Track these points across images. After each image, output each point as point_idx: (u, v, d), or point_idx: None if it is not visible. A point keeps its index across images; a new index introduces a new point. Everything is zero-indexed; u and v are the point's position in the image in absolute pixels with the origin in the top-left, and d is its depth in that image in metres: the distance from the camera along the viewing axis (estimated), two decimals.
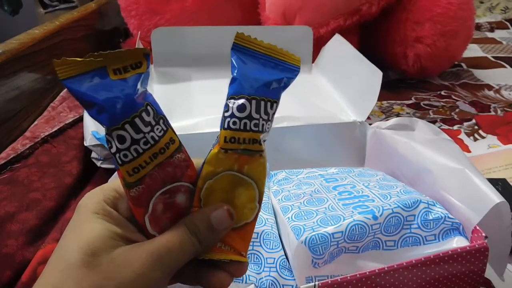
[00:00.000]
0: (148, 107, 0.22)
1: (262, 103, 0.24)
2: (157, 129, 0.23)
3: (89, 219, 0.23)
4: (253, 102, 0.24)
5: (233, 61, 0.24)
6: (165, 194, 0.24)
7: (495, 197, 0.34)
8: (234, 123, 0.24)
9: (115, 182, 0.25)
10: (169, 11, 0.86)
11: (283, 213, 0.39)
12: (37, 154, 0.53)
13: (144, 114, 0.22)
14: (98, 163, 0.54)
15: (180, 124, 0.53)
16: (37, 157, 0.52)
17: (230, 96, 0.24)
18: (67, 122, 0.59)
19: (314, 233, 0.34)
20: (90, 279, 0.21)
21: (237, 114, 0.24)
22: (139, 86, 0.22)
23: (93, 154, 0.54)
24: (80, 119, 0.59)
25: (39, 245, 0.43)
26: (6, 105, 0.59)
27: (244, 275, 0.33)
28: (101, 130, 0.55)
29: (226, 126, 0.24)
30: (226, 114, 0.24)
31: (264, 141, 0.25)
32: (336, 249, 0.34)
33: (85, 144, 0.54)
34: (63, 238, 0.24)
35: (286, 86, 0.25)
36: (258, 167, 0.25)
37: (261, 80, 0.24)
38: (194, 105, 0.61)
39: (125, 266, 0.22)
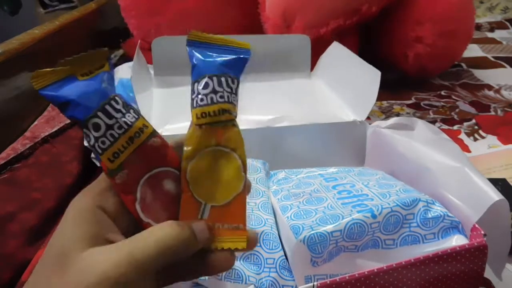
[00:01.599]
0: (116, 98, 0.24)
1: (223, 78, 0.26)
2: (129, 116, 0.25)
3: (68, 220, 0.23)
4: (214, 78, 0.26)
5: (190, 52, 0.26)
6: (151, 180, 0.25)
7: (494, 195, 0.34)
8: (202, 100, 0.26)
9: (103, 182, 0.25)
10: (169, 11, 0.86)
11: (282, 213, 0.39)
12: (37, 154, 0.53)
13: (113, 102, 0.24)
14: (98, 163, 0.55)
15: (178, 126, 0.53)
16: (37, 157, 0.52)
17: (194, 81, 0.26)
18: (67, 122, 0.59)
19: (313, 232, 0.34)
20: (59, 279, 0.21)
21: (202, 91, 0.26)
22: (104, 81, 0.24)
23: (93, 154, 0.54)
24: None
25: (39, 245, 0.43)
26: (6, 105, 0.59)
27: (243, 275, 0.33)
28: None
29: (195, 105, 0.26)
30: (193, 96, 0.26)
31: (235, 114, 0.27)
32: (335, 247, 0.34)
33: (85, 144, 0.54)
34: (48, 244, 0.24)
35: (243, 65, 0.27)
36: (234, 136, 0.26)
37: (218, 61, 0.26)
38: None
39: (93, 267, 0.21)
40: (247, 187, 0.27)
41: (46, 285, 0.21)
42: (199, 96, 0.26)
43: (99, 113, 0.24)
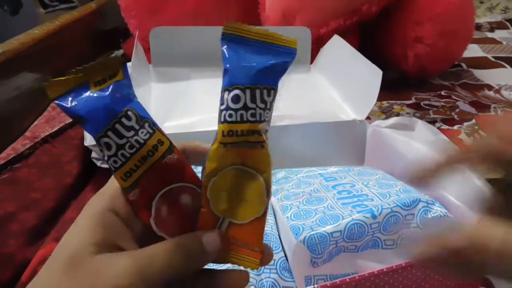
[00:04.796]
0: (129, 112, 0.23)
1: (258, 91, 0.23)
2: (142, 132, 0.23)
3: (81, 224, 0.23)
4: (247, 91, 0.23)
5: (224, 51, 0.23)
6: (166, 195, 0.24)
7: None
8: (230, 115, 0.23)
9: (116, 184, 0.25)
10: (169, 11, 0.86)
11: (282, 212, 0.39)
12: (37, 154, 0.53)
13: (124, 120, 0.23)
14: (98, 163, 0.55)
15: (178, 123, 0.53)
16: (37, 157, 0.52)
17: (224, 89, 0.23)
18: (67, 122, 0.59)
19: (313, 232, 0.34)
20: (68, 281, 0.21)
21: (232, 106, 0.23)
22: (117, 93, 0.23)
23: (93, 154, 0.54)
24: None
25: (39, 245, 0.43)
26: (6, 105, 0.59)
27: None
28: None
29: (222, 119, 0.23)
30: (222, 107, 0.23)
31: (266, 131, 0.24)
32: (335, 248, 0.34)
33: (85, 144, 0.54)
34: (57, 245, 0.23)
35: (283, 71, 0.24)
36: (261, 159, 0.24)
37: (255, 67, 0.23)
38: (192, 104, 0.61)
39: (103, 274, 0.21)
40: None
41: (55, 286, 0.21)
42: (228, 111, 0.23)
43: (109, 133, 0.23)
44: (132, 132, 0.23)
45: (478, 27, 1.27)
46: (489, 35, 1.24)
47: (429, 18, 0.83)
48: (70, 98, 0.23)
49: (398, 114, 0.76)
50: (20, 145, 0.53)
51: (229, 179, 0.24)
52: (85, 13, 0.88)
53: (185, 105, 0.61)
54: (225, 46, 0.23)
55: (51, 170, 0.52)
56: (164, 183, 0.24)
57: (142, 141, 0.23)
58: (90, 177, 0.55)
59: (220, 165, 0.24)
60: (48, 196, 0.48)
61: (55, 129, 0.57)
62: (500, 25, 1.30)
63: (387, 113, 0.77)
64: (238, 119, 0.23)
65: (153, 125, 0.24)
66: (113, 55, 0.96)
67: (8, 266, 0.40)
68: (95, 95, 0.23)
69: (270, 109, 0.24)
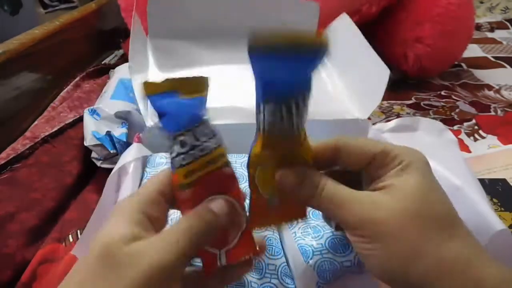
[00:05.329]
0: (207, 123, 0.27)
1: (293, 102, 0.23)
2: (213, 141, 0.26)
3: (115, 221, 0.24)
4: (283, 105, 0.24)
5: (253, 67, 0.22)
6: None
7: (497, 224, 0.33)
8: (269, 127, 0.25)
9: (150, 190, 0.27)
10: None
11: (289, 226, 0.38)
12: (37, 154, 0.53)
13: (202, 127, 0.26)
14: (98, 163, 0.54)
15: None
16: (37, 157, 0.52)
17: (259, 100, 0.24)
18: (67, 122, 0.59)
19: (323, 260, 0.33)
20: (105, 275, 0.22)
21: (269, 119, 0.24)
22: (201, 105, 0.26)
23: (93, 154, 0.54)
24: (80, 119, 0.59)
25: (39, 245, 0.43)
26: (6, 105, 0.59)
27: (245, 281, 0.33)
28: (102, 130, 0.55)
29: (261, 130, 0.25)
30: (259, 117, 0.25)
31: (303, 129, 0.26)
32: (342, 273, 0.34)
33: (85, 144, 0.54)
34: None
35: (314, 72, 0.23)
36: (301, 153, 0.27)
37: (286, 80, 0.22)
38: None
39: (140, 257, 0.22)
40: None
41: (92, 283, 0.22)
42: (266, 122, 0.25)
43: (189, 133, 0.26)
44: (205, 138, 0.26)
45: (478, 27, 1.26)
46: (489, 35, 1.24)
47: (429, 18, 0.83)
48: (161, 98, 0.25)
49: (398, 114, 0.76)
50: (20, 145, 0.53)
51: (274, 167, 0.27)
52: (85, 13, 0.88)
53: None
54: (254, 63, 0.22)
55: (51, 170, 0.52)
56: (215, 191, 0.27)
57: (211, 148, 0.26)
58: (90, 177, 0.55)
59: (263, 161, 0.27)
60: (48, 196, 0.48)
61: (55, 129, 0.57)
62: (500, 25, 1.30)
63: (387, 113, 0.77)
64: (276, 131, 0.25)
65: (220, 140, 0.27)
66: (113, 55, 0.96)
67: (8, 266, 0.40)
68: (183, 100, 0.26)
69: (306, 111, 0.25)
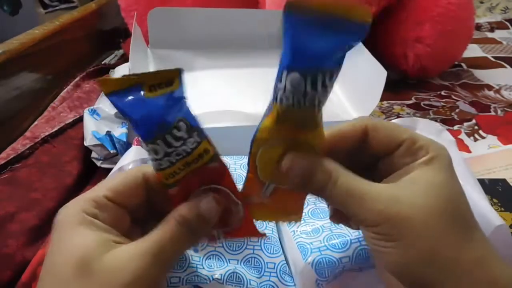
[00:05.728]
0: (180, 123, 0.23)
1: (319, 76, 0.21)
2: (190, 142, 0.24)
3: (72, 231, 0.23)
4: (309, 77, 0.21)
5: (286, 28, 0.20)
6: (203, 191, 0.26)
7: (496, 220, 0.34)
8: (287, 98, 0.22)
9: (92, 191, 0.25)
10: None
11: (287, 224, 0.38)
12: (37, 154, 0.53)
13: (175, 131, 0.23)
14: (98, 163, 0.55)
15: None
16: (37, 157, 0.52)
17: (284, 67, 0.21)
18: (67, 122, 0.59)
19: (321, 256, 0.33)
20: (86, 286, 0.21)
21: (290, 88, 0.21)
22: (170, 102, 0.23)
23: (93, 154, 0.54)
24: (80, 119, 0.59)
25: (39, 245, 0.43)
26: (6, 105, 0.59)
27: (244, 279, 0.33)
28: (102, 130, 0.55)
29: (278, 99, 0.22)
30: (279, 86, 0.22)
31: (320, 109, 0.23)
32: (341, 270, 0.34)
33: (85, 144, 0.54)
34: (49, 256, 0.23)
35: (349, 49, 0.22)
36: (314, 136, 0.24)
37: (318, 50, 0.20)
38: (196, 97, 0.59)
39: (120, 270, 0.21)
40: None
41: None
42: (285, 93, 0.22)
43: (159, 141, 0.23)
44: (181, 142, 0.24)
45: (478, 27, 1.26)
46: (489, 35, 1.24)
47: (429, 18, 0.83)
48: (123, 97, 0.23)
49: (398, 115, 0.76)
50: (20, 145, 0.53)
51: (279, 149, 0.25)
52: (85, 13, 0.88)
53: (188, 96, 0.59)
54: (288, 23, 0.20)
55: (51, 170, 0.52)
56: (203, 183, 0.26)
57: (189, 150, 0.24)
58: (90, 177, 0.55)
59: (271, 137, 0.24)
60: (48, 196, 0.48)
61: (55, 129, 0.57)
62: (500, 25, 1.30)
63: (387, 113, 0.77)
64: (295, 103, 0.22)
65: (202, 134, 0.25)
66: (113, 55, 0.96)
67: (8, 266, 0.40)
68: (149, 101, 0.22)
69: (330, 90, 0.22)
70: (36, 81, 0.66)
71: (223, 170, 0.26)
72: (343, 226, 0.36)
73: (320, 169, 0.25)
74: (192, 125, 0.24)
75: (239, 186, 0.27)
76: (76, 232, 0.23)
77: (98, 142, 0.53)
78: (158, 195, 0.27)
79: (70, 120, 0.59)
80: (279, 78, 0.22)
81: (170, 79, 0.23)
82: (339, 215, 0.29)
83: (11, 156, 0.50)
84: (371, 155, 0.27)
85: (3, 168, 0.48)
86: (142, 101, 0.22)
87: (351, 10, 0.20)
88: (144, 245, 0.23)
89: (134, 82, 0.22)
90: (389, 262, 0.24)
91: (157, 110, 0.23)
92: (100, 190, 0.25)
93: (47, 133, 0.56)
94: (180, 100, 0.24)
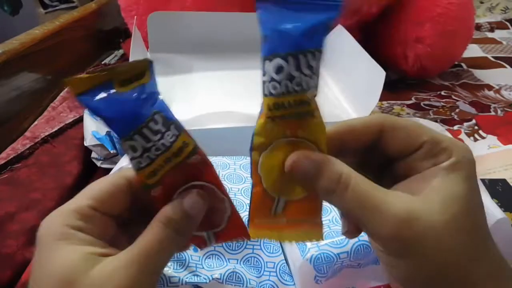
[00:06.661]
0: (156, 116, 0.23)
1: (301, 57, 0.21)
2: (168, 135, 0.23)
3: (55, 248, 0.22)
4: (290, 59, 0.21)
5: (260, 15, 0.21)
6: (187, 191, 0.25)
7: (497, 213, 0.34)
8: (274, 87, 0.21)
9: (74, 202, 0.25)
10: (169, 11, 0.86)
11: None
12: (37, 154, 0.53)
13: (151, 124, 0.23)
14: (98, 163, 0.55)
15: (180, 119, 0.53)
16: (37, 157, 0.52)
17: (264, 58, 0.21)
18: (67, 122, 0.59)
19: (319, 252, 0.33)
20: None
21: (275, 76, 0.21)
22: (143, 95, 0.22)
23: (93, 154, 0.54)
24: (80, 119, 0.59)
25: None
26: (6, 105, 0.59)
27: (244, 278, 0.33)
28: (102, 130, 0.55)
29: (266, 92, 0.22)
30: (264, 79, 0.21)
31: (315, 96, 0.22)
32: (339, 266, 0.34)
33: (85, 144, 0.54)
34: (34, 276, 0.22)
35: (328, 27, 0.21)
36: (313, 128, 0.23)
37: (295, 30, 0.20)
38: (193, 98, 0.60)
39: (107, 283, 0.21)
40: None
41: None
42: (272, 83, 0.21)
43: (136, 136, 0.22)
44: (159, 136, 0.23)
45: (478, 27, 1.26)
46: (489, 35, 1.24)
47: (429, 18, 0.83)
48: (94, 96, 0.22)
49: (398, 115, 0.76)
50: (20, 145, 0.53)
51: (280, 153, 0.23)
52: (85, 13, 0.88)
53: (186, 98, 0.59)
54: (261, 10, 0.21)
55: (51, 170, 0.52)
56: (186, 181, 0.24)
57: (168, 144, 0.23)
58: (90, 177, 0.55)
59: (269, 139, 0.23)
60: (48, 196, 0.48)
61: (55, 129, 0.57)
62: (500, 25, 1.30)
63: (387, 114, 0.77)
64: (284, 91, 0.21)
65: (179, 127, 0.24)
66: (113, 55, 0.96)
67: (8, 266, 0.40)
68: (121, 96, 0.22)
69: (317, 73, 0.22)
70: (36, 81, 0.66)
71: (205, 163, 0.25)
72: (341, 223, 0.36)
73: (327, 171, 0.22)
74: (168, 118, 0.23)
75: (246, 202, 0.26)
76: (60, 249, 0.22)
77: (98, 142, 0.53)
78: (143, 198, 0.25)
79: (70, 120, 0.59)
80: (263, 72, 0.21)
81: (141, 72, 0.22)
82: (354, 230, 0.26)
83: (11, 156, 0.50)
84: (385, 155, 0.25)
85: (3, 168, 0.48)
86: (114, 98, 0.22)
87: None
88: (129, 255, 0.22)
89: (104, 80, 0.22)
90: (398, 277, 0.23)
91: (130, 103, 0.22)
92: (83, 200, 0.24)
93: (47, 133, 0.56)
94: (153, 94, 0.23)
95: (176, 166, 0.24)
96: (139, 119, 0.22)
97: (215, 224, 0.26)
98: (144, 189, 0.24)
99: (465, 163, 0.23)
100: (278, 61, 0.21)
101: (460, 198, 0.22)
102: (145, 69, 0.22)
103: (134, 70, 0.22)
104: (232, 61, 0.67)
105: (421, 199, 0.22)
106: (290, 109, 0.22)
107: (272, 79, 0.21)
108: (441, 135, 0.23)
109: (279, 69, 0.21)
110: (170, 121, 0.23)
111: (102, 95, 0.22)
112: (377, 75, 0.52)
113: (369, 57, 0.56)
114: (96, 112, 0.22)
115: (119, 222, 0.26)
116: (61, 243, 0.22)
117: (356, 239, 0.34)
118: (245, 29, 0.67)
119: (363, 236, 0.34)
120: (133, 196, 0.26)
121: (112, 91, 0.22)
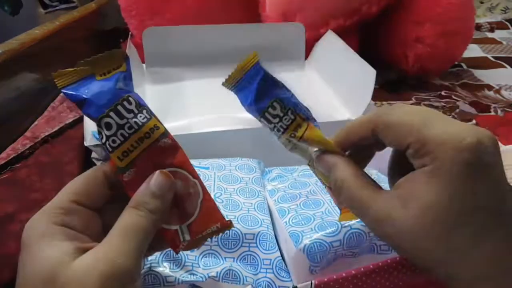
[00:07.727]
0: (130, 98, 0.26)
1: (270, 111, 0.28)
2: (140, 116, 0.26)
3: (37, 248, 0.23)
4: (262, 119, 0.28)
5: (242, 101, 0.29)
6: None
7: None
8: (281, 127, 0.29)
9: (58, 199, 0.25)
10: (169, 11, 0.86)
11: (280, 216, 0.39)
12: (37, 154, 0.53)
13: (125, 103, 0.25)
14: (98, 163, 0.55)
15: (174, 125, 0.54)
16: (37, 157, 0.52)
17: (261, 115, 0.28)
18: (67, 122, 0.59)
19: (312, 241, 0.34)
20: None
21: (266, 124, 0.29)
22: (120, 81, 0.26)
23: (93, 154, 0.54)
24: (80, 119, 0.59)
25: None
26: (6, 105, 0.59)
27: (240, 276, 0.34)
28: None
29: (280, 132, 0.29)
30: (271, 125, 0.29)
31: (306, 118, 0.30)
32: (333, 255, 0.34)
33: (85, 144, 0.54)
34: (19, 274, 0.23)
35: (269, 79, 0.28)
36: (313, 133, 0.29)
37: (253, 104, 0.28)
38: (187, 106, 0.61)
39: (87, 276, 0.21)
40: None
41: None
42: (278, 126, 0.29)
43: (111, 113, 0.25)
44: (132, 115, 0.25)
45: (478, 27, 1.26)
46: (489, 35, 1.24)
47: (429, 18, 0.83)
48: (76, 89, 0.25)
49: None
50: (20, 145, 0.53)
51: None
52: (85, 13, 0.88)
53: (180, 106, 0.61)
54: (238, 95, 0.29)
55: (51, 170, 0.52)
56: (158, 166, 0.26)
57: (140, 123, 0.25)
58: None
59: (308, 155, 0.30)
60: (48, 196, 0.48)
61: (55, 129, 0.57)
62: (500, 25, 1.30)
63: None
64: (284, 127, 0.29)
65: (150, 113, 0.26)
66: None
67: (8, 266, 0.40)
68: (100, 82, 0.25)
69: (287, 112, 0.29)
70: (36, 81, 0.66)
71: (175, 147, 0.26)
72: (334, 215, 0.37)
73: (334, 170, 0.27)
74: (141, 104, 0.26)
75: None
76: (42, 248, 0.23)
77: (98, 142, 0.53)
78: (121, 189, 0.27)
79: (70, 120, 0.59)
80: (268, 125, 0.29)
81: (119, 64, 0.26)
82: None
83: (11, 156, 0.50)
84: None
85: (3, 168, 0.48)
86: (94, 84, 0.25)
87: (247, 64, 0.28)
88: (108, 242, 0.23)
89: (86, 74, 0.25)
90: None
91: (108, 84, 0.25)
92: (65, 195, 0.25)
93: (47, 133, 0.56)
94: (128, 82, 0.26)
95: (148, 148, 0.26)
96: (115, 98, 0.25)
97: (189, 212, 0.26)
98: (117, 173, 0.25)
99: (450, 167, 0.21)
100: (261, 121, 0.29)
101: (436, 206, 0.22)
102: (122, 61, 0.26)
103: (113, 61, 0.26)
104: (220, 70, 0.69)
105: (401, 203, 0.23)
106: (296, 139, 0.30)
107: (273, 122, 0.29)
108: (431, 135, 0.22)
109: (271, 119, 0.28)
110: (142, 106, 0.26)
111: (84, 84, 0.25)
112: (367, 74, 0.52)
113: (359, 57, 0.57)
114: (77, 97, 0.25)
115: (104, 218, 0.27)
116: (45, 241, 0.23)
117: (348, 228, 0.34)
118: (232, 40, 0.72)
119: (355, 224, 0.35)
120: (112, 189, 0.27)
121: (93, 80, 0.25)
